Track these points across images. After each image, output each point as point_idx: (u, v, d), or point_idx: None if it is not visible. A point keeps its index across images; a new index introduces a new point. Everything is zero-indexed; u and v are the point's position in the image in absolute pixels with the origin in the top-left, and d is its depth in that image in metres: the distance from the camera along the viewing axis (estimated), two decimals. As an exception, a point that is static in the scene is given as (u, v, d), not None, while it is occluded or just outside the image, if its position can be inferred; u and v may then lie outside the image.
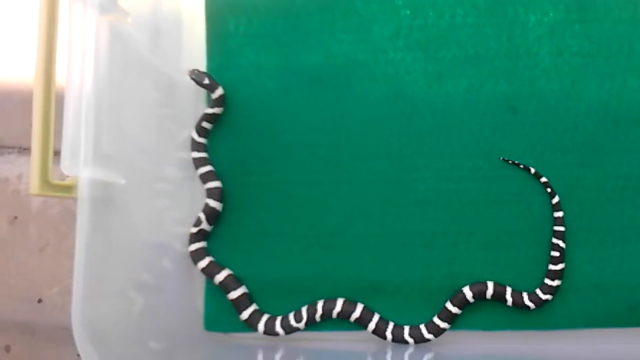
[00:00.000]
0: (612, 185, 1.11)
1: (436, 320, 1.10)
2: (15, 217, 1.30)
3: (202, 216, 1.15)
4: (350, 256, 1.14)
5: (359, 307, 1.11)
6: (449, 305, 1.09)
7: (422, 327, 1.10)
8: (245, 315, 1.12)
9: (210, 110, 1.15)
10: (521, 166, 1.11)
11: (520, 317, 1.11)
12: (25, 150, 1.30)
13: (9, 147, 1.31)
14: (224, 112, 1.16)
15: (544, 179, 1.10)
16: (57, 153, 0.85)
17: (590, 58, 1.11)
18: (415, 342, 1.10)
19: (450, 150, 1.13)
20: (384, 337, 1.11)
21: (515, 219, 1.12)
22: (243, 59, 1.17)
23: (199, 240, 1.15)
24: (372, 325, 1.11)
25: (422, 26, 1.14)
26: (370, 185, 1.14)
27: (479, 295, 1.09)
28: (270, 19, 1.16)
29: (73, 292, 0.84)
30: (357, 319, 1.11)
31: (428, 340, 1.10)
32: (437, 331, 1.10)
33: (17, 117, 1.28)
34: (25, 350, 1.27)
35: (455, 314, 1.10)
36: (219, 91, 1.14)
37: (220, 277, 1.13)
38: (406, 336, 1.10)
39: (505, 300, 1.09)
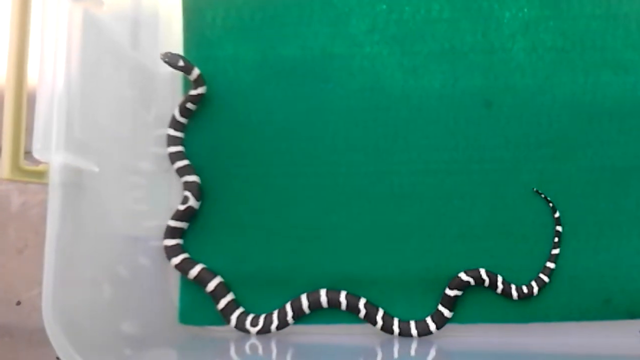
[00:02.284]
0: (586, 178, 1.12)
1: (440, 308, 1.11)
2: (-6, 219, 1.29)
3: (188, 193, 1.14)
4: (326, 249, 1.14)
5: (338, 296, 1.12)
6: (448, 291, 1.10)
7: (429, 320, 1.11)
8: (222, 304, 1.12)
9: (194, 92, 1.14)
10: (550, 204, 1.11)
11: (498, 310, 1.12)
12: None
13: (-14, 149, 1.30)
14: (200, 105, 1.16)
15: (557, 214, 1.12)
16: (28, 152, 0.84)
17: (564, 53, 1.13)
18: (419, 335, 1.11)
19: (426, 143, 1.14)
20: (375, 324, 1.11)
21: (490, 212, 1.12)
22: (220, 51, 1.17)
23: (184, 220, 1.14)
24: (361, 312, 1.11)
25: (398, 20, 1.15)
26: (346, 178, 1.14)
27: (475, 280, 1.10)
28: (248, 11, 1.16)
29: (44, 279, 0.83)
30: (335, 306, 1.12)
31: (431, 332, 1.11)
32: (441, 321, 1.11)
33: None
34: (4, 353, 1.24)
35: (456, 296, 1.10)
36: (196, 71, 1.12)
37: (194, 272, 1.13)
38: (413, 330, 1.11)
39: (496, 287, 1.10)
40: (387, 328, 1.10)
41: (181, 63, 1.11)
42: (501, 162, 1.13)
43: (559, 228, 1.11)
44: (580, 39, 1.12)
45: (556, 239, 1.11)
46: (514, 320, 1.12)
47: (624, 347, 1.09)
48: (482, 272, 1.10)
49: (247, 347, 1.08)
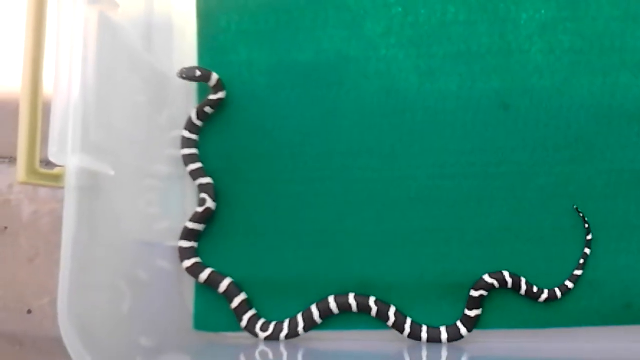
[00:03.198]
0: (605, 181, 1.10)
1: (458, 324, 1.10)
2: (6, 228, 1.29)
3: (205, 195, 1.13)
4: (341, 254, 1.13)
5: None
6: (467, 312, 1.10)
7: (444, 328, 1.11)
8: (235, 303, 1.12)
9: (214, 96, 1.14)
10: (586, 225, 1.10)
11: (516, 316, 1.11)
12: (16, 160, 1.29)
13: (-1, 157, 1.30)
14: (217, 109, 1.16)
15: (590, 237, 1.10)
16: (43, 161, 0.84)
17: (582, 55, 1.11)
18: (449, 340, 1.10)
19: (443, 147, 1.13)
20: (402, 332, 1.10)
21: (508, 216, 1.11)
22: (234, 55, 1.16)
23: (202, 222, 1.14)
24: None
25: (414, 23, 1.14)
26: (362, 183, 1.14)
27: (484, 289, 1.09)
28: (262, 16, 1.16)
29: (59, 284, 0.82)
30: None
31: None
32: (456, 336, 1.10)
33: (8, 126, 1.25)
34: (14, 362, 1.24)
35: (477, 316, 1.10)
36: (215, 77, 1.12)
37: (204, 275, 1.13)
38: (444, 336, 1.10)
39: (506, 284, 1.09)
40: (398, 326, 1.09)
41: (199, 73, 1.11)
42: (519, 165, 1.11)
43: (587, 251, 1.10)
44: (598, 41, 1.11)
45: (582, 261, 1.10)
46: (532, 325, 1.11)
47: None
48: (486, 277, 1.09)
49: (260, 354, 1.07)
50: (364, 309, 1.10)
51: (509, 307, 1.10)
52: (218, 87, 1.13)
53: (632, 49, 1.11)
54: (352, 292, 1.11)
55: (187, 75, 1.11)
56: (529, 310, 1.10)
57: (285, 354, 1.06)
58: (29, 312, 1.26)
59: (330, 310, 1.10)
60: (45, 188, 1.19)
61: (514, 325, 1.11)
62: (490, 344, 1.10)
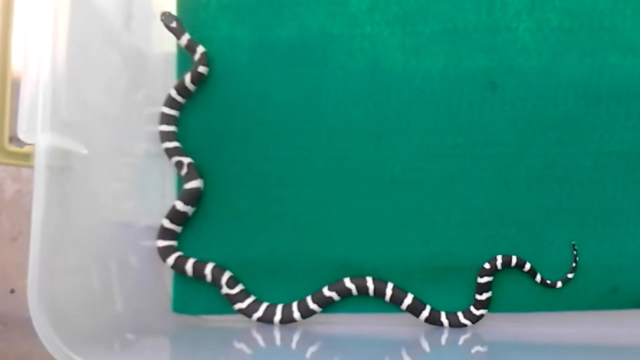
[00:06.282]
0: (593, 163, 1.09)
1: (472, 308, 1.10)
2: (-13, 207, 1.28)
3: (177, 157, 1.11)
4: (325, 235, 1.12)
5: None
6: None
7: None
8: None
9: (197, 55, 1.11)
10: (574, 264, 1.09)
11: (501, 300, 1.10)
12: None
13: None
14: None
15: (570, 275, 1.09)
16: (12, 139, 0.83)
17: (571, 34, 1.09)
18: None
19: (428, 127, 1.11)
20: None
21: (494, 198, 1.10)
22: (215, 31, 1.14)
23: (197, 177, 1.11)
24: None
25: (400, 0, 1.11)
26: (346, 163, 1.12)
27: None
28: (244, -10, 1.14)
29: (29, 266, 0.81)
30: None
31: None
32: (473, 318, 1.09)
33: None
34: (-3, 341, 1.24)
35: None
36: (186, 37, 1.11)
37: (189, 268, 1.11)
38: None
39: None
40: (414, 310, 1.09)
41: (174, 25, 1.10)
42: (505, 146, 1.10)
43: (559, 284, 1.09)
44: (587, 19, 1.09)
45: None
46: (517, 309, 1.10)
47: (632, 337, 1.08)
48: (497, 259, 1.08)
49: (241, 337, 1.06)
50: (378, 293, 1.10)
51: (494, 292, 1.09)
52: (190, 46, 1.11)
53: (621, 28, 1.09)
54: (336, 273, 1.11)
55: (165, 19, 1.10)
56: (514, 295, 1.10)
57: (278, 336, 1.06)
58: (12, 291, 1.27)
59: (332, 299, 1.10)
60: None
61: (498, 309, 1.10)
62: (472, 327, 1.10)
